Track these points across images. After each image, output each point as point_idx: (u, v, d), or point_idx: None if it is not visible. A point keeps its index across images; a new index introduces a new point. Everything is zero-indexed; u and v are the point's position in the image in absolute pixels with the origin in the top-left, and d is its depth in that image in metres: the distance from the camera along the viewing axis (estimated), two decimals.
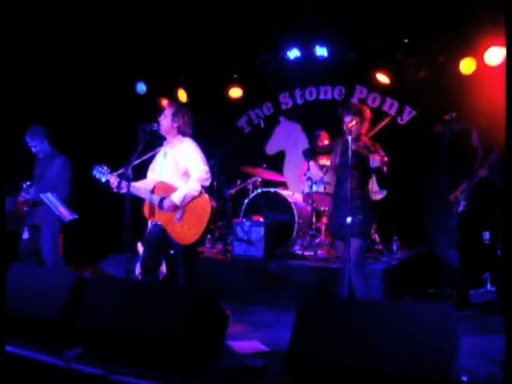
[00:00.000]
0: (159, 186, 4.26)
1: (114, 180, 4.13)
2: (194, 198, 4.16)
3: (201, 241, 4.33)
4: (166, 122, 4.29)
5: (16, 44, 6.02)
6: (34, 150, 5.27)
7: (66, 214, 5.07)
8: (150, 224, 4.43)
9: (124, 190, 4.06)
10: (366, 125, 4.22)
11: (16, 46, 6.04)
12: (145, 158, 4.35)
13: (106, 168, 4.20)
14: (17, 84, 6.27)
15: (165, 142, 4.41)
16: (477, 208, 4.95)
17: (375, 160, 3.94)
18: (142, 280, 4.29)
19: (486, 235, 4.90)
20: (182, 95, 7.90)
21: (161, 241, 4.21)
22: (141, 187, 4.26)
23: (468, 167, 5.21)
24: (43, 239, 5.16)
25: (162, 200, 4.20)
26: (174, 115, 4.28)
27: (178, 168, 4.24)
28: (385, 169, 4.05)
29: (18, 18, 5.79)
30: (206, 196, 4.22)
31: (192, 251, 4.24)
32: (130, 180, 4.03)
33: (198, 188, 4.17)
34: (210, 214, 4.12)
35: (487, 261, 5.05)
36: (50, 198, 5.01)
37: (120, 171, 4.12)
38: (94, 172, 4.21)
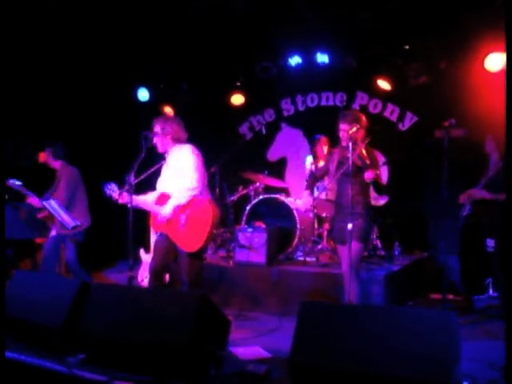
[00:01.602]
0: (161, 196, 4.29)
1: (125, 197, 4.14)
2: (196, 206, 4.17)
3: (205, 248, 4.35)
4: (159, 139, 4.31)
5: (19, 50, 6.05)
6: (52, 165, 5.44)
7: (68, 220, 5.08)
8: (155, 233, 4.46)
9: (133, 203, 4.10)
10: (363, 132, 4.25)
11: (19, 52, 6.07)
12: (152, 170, 4.39)
13: (114, 185, 4.22)
14: (18, 89, 6.30)
15: (166, 153, 4.44)
16: (482, 214, 4.92)
17: (369, 177, 4.02)
18: (151, 285, 4.34)
19: (491, 243, 4.86)
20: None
21: (168, 248, 4.26)
22: (147, 200, 4.32)
23: (480, 172, 5.15)
24: (67, 247, 5.31)
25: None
26: (163, 129, 4.29)
27: (178, 176, 4.24)
28: (384, 177, 4.07)
29: (21, 25, 5.82)
30: (209, 203, 4.22)
31: (196, 258, 4.25)
32: (131, 187, 4.06)
33: (188, 197, 4.17)
34: (212, 220, 4.13)
35: (489, 267, 5.02)
36: (52, 204, 5.02)
37: (126, 187, 4.15)
38: (107, 191, 4.22)
